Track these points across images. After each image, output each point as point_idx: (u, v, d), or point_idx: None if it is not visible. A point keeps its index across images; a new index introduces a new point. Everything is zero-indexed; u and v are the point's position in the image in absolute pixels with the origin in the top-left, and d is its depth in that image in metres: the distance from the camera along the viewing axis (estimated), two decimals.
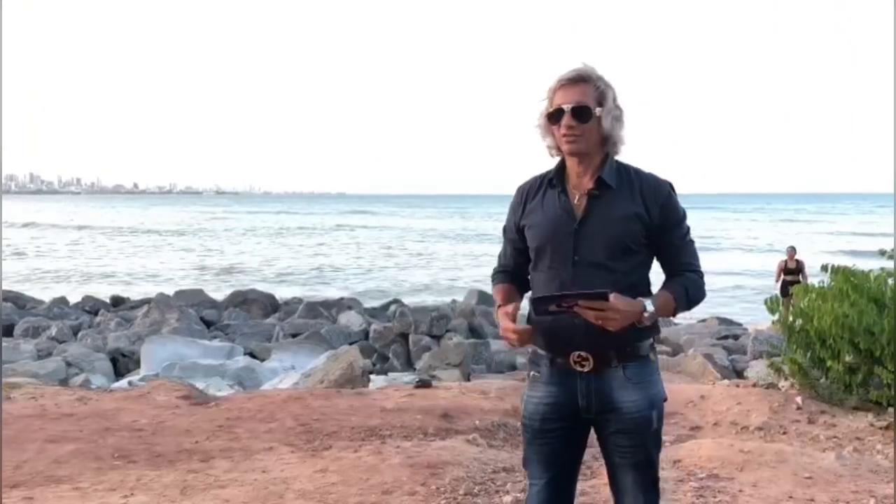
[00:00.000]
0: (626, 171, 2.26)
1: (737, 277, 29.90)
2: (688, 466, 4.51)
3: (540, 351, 2.29)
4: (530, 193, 2.33)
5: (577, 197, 2.24)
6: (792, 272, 13.79)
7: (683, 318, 18.03)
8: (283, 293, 21.59)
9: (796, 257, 14.13)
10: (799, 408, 6.12)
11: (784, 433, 5.65)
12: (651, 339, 2.28)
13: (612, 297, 2.05)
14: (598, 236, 2.19)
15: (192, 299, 18.05)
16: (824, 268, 6.87)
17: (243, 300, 18.36)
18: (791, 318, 6.66)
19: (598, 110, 2.18)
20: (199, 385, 7.45)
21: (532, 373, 2.33)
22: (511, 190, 2.44)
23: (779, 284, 13.83)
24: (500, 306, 2.30)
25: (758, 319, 14.83)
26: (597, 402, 2.21)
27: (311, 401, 6.05)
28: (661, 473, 4.35)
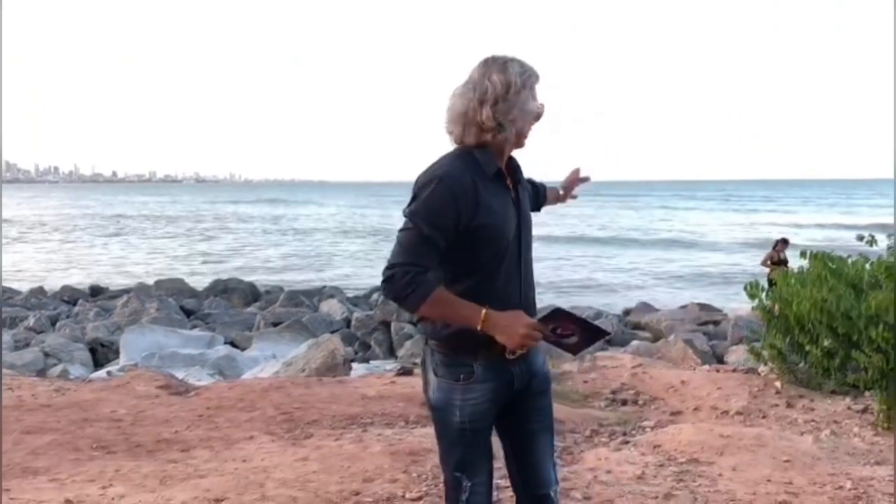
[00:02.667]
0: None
1: (716, 263, 30.15)
2: (668, 451, 4.54)
3: (463, 351, 2.14)
4: (473, 189, 2.05)
5: (511, 188, 2.20)
6: (781, 264, 13.22)
7: (664, 305, 18.16)
8: (266, 280, 21.51)
9: (787, 250, 13.46)
10: (778, 392, 6.17)
11: (763, 417, 5.69)
12: None
13: None
14: (529, 230, 2.25)
15: (173, 288, 17.94)
16: (803, 254, 6.92)
17: (224, 289, 18.27)
18: (771, 304, 6.70)
19: None
20: (179, 374, 7.40)
21: (461, 375, 2.15)
22: None
23: (768, 271, 13.23)
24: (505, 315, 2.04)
25: (738, 305, 14.92)
26: (526, 377, 2.24)
27: (292, 389, 6.02)
28: (642, 458, 4.41)
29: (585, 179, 2.89)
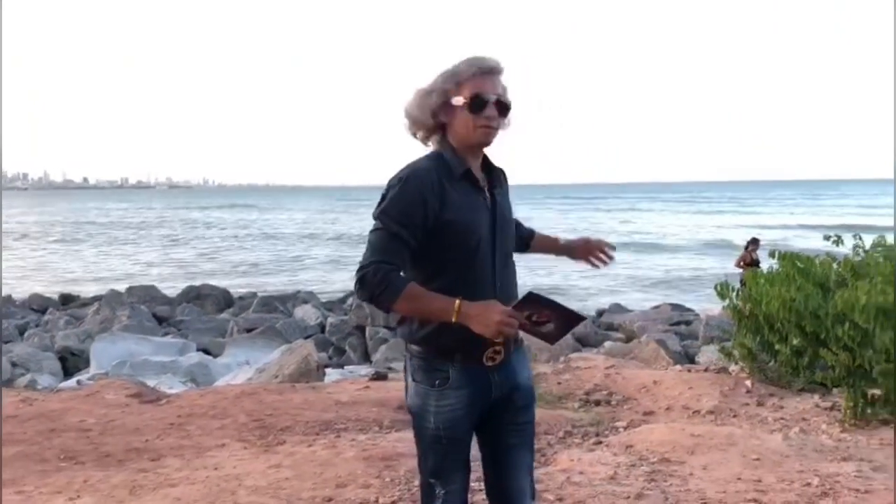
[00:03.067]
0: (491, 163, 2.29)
1: (686, 264, 30.45)
2: (640, 451, 4.57)
3: (438, 356, 2.15)
4: (439, 187, 2.08)
5: (484, 189, 2.20)
6: (754, 265, 13.12)
7: (637, 305, 18.30)
8: (240, 285, 21.35)
9: (758, 251, 13.23)
10: (748, 391, 6.24)
11: (734, 416, 5.75)
12: None
13: None
14: (506, 231, 2.24)
15: (145, 295, 17.75)
16: (772, 254, 7.01)
17: (197, 296, 18.12)
18: (741, 304, 6.77)
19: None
20: (151, 383, 7.32)
21: (436, 381, 2.15)
22: None
23: (740, 271, 13.03)
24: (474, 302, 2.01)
25: (709, 305, 15.05)
26: (505, 388, 2.22)
27: (265, 396, 5.98)
28: (615, 458, 4.43)
29: (607, 255, 2.63)
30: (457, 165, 2.13)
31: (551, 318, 2.04)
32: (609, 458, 4.44)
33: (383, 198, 2.09)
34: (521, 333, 2.12)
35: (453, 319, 2.00)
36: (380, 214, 2.08)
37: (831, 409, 5.70)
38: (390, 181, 2.11)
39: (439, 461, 2.20)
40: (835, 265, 6.65)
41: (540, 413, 5.58)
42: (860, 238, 6.92)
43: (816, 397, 5.98)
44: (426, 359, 2.17)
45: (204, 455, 4.63)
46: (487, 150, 2.23)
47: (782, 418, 5.60)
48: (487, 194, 2.19)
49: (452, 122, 2.14)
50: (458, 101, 2.11)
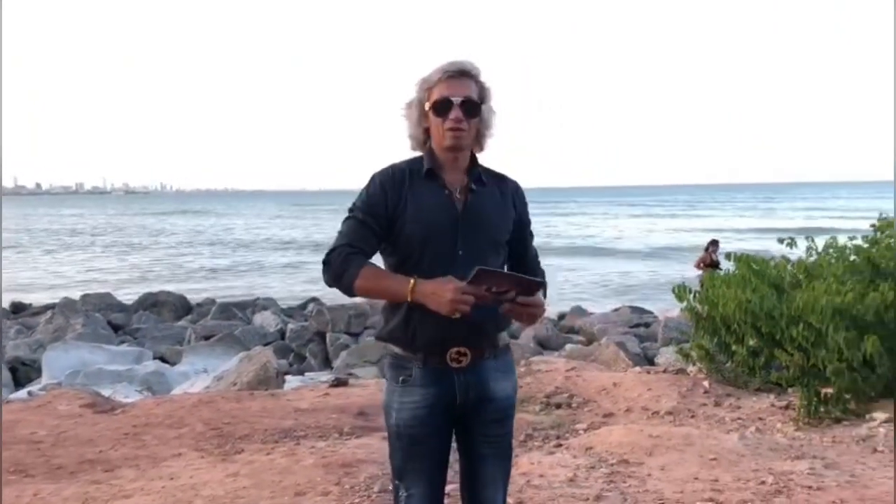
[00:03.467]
0: (486, 169, 2.29)
1: (645, 267, 30.83)
2: (599, 453, 4.60)
3: (403, 353, 2.20)
4: (401, 182, 2.18)
5: (457, 191, 2.20)
6: (714, 266, 12.76)
7: (598, 308, 18.46)
8: (198, 291, 21.04)
9: (719, 252, 13.14)
10: (706, 391, 6.32)
11: (692, 416, 5.82)
12: (508, 328, 2.35)
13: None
14: (479, 232, 2.19)
15: (100, 303, 17.40)
16: (728, 256, 7.13)
17: (153, 303, 17.80)
18: (698, 305, 6.87)
19: (483, 107, 2.18)
20: (105, 392, 7.17)
21: (401, 378, 2.19)
22: None
23: (699, 274, 12.85)
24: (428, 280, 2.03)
25: (667, 307, 15.25)
26: (473, 395, 2.20)
27: (223, 404, 5.90)
28: (574, 461, 4.45)
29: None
30: (426, 164, 2.20)
31: (510, 287, 2.02)
32: (569, 461, 4.46)
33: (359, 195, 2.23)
34: (511, 342, 2.11)
35: (409, 299, 2.05)
36: (351, 207, 2.20)
37: (786, 408, 5.81)
38: None
39: (401, 461, 2.22)
40: (789, 267, 6.79)
41: None
42: (812, 240, 7.08)
43: (772, 397, 6.09)
44: (394, 356, 2.22)
45: (160, 465, 4.54)
46: (481, 155, 2.27)
47: (739, 418, 5.68)
48: (459, 195, 2.18)
49: (430, 128, 2.20)
50: (427, 106, 2.17)
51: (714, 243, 13.80)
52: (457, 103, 2.13)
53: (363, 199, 2.18)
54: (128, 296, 20.07)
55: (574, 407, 6.16)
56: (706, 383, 6.49)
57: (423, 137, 2.22)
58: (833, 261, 6.59)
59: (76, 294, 19.73)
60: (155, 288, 21.50)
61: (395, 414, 2.19)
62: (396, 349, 2.22)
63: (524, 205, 2.35)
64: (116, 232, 63.40)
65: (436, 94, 2.15)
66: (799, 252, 7.04)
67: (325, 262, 2.14)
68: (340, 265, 2.11)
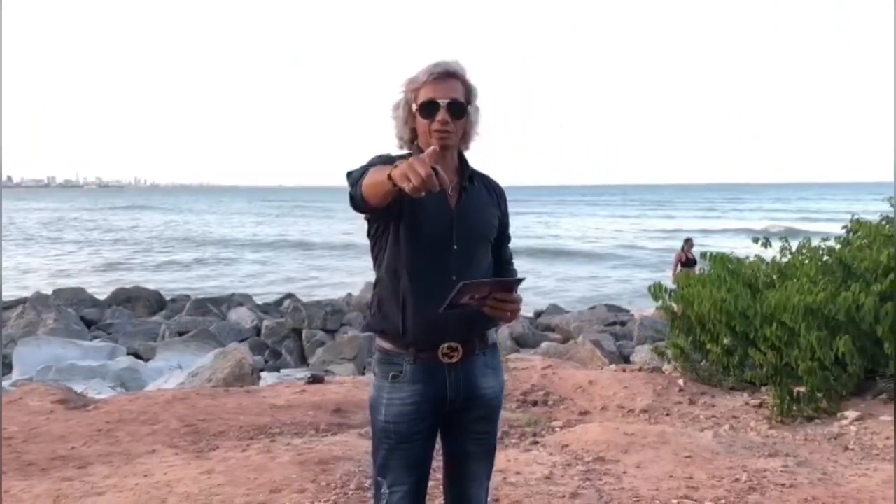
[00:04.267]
0: (472, 169, 2.30)
1: (622, 265, 31.03)
2: (575, 451, 4.62)
3: (394, 348, 2.20)
4: None
5: (449, 188, 2.20)
6: (690, 264, 13.04)
7: (573, 306, 18.54)
8: (172, 287, 20.84)
9: (693, 250, 13.43)
10: (681, 390, 6.38)
11: (667, 415, 5.87)
12: (498, 325, 2.36)
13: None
14: (472, 228, 2.22)
15: (72, 298, 17.16)
16: (703, 255, 7.20)
17: (127, 298, 17.60)
18: (674, 304, 6.93)
19: (469, 108, 2.20)
20: (78, 388, 7.08)
21: (391, 374, 2.20)
22: None
23: (674, 276, 12.76)
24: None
25: (643, 306, 15.35)
26: (464, 391, 2.22)
27: (198, 400, 5.84)
28: (551, 458, 4.47)
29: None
30: None
31: (491, 291, 2.05)
32: (545, 458, 4.47)
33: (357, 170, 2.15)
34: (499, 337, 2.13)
35: (388, 176, 1.85)
36: (359, 169, 2.11)
37: (760, 406, 5.88)
38: None
39: (386, 457, 2.21)
40: (763, 267, 6.87)
41: None
42: (787, 241, 7.16)
43: (746, 395, 6.15)
44: (384, 351, 2.22)
45: (133, 462, 4.49)
46: (467, 154, 2.28)
47: (713, 416, 5.74)
48: (451, 193, 2.20)
49: (417, 129, 2.20)
50: (414, 107, 2.18)
51: (688, 242, 13.91)
52: (443, 105, 2.13)
53: (379, 156, 2.15)
54: (100, 291, 19.85)
55: (550, 405, 6.19)
56: (681, 382, 6.55)
57: (411, 137, 2.22)
58: (806, 261, 6.69)
59: (48, 288, 19.48)
60: (128, 283, 21.29)
61: (384, 410, 2.19)
62: (386, 344, 2.22)
63: (506, 202, 2.40)
64: (90, 226, 62.65)
65: (422, 96, 2.16)
66: (773, 252, 7.13)
67: (348, 174, 2.12)
68: (360, 175, 2.04)
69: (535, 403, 6.20)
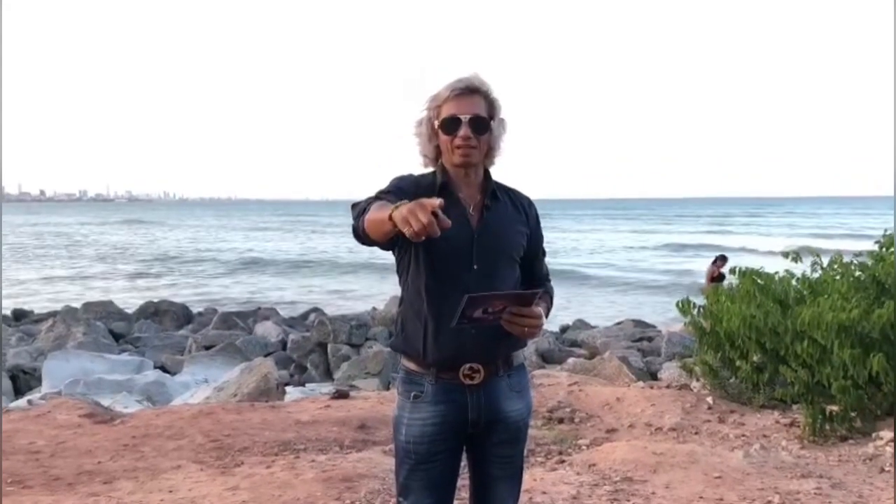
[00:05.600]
0: (498, 184, 2.28)
1: (650, 281, 30.78)
2: (602, 470, 4.55)
3: (417, 368, 2.19)
4: (428, 190, 2.13)
5: (471, 207, 2.19)
6: (720, 280, 12.41)
7: (600, 321, 18.39)
8: (199, 301, 20.99)
9: (725, 267, 12.84)
10: (710, 407, 6.27)
11: (696, 433, 5.76)
12: (524, 347, 2.32)
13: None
14: (494, 247, 2.18)
15: (101, 311, 17.35)
16: (732, 270, 7.09)
17: (155, 311, 17.78)
18: (702, 320, 6.82)
19: (492, 123, 2.17)
20: (105, 402, 7.12)
21: (413, 393, 2.18)
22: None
23: (706, 291, 12.41)
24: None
25: (671, 321, 15.19)
26: (486, 414, 2.18)
27: (223, 415, 5.85)
28: (578, 478, 4.40)
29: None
30: (439, 179, 2.18)
31: (506, 304, 2.00)
32: (572, 478, 4.41)
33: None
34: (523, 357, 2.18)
35: (388, 217, 1.80)
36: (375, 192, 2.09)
37: (791, 425, 5.75)
38: None
39: (406, 477, 2.19)
40: (794, 282, 6.75)
41: None
42: (819, 256, 7.03)
43: (776, 414, 6.03)
44: (407, 371, 2.22)
45: (159, 477, 4.50)
46: (493, 171, 2.25)
47: (743, 435, 5.63)
48: (473, 212, 2.17)
49: (440, 146, 2.19)
50: (437, 124, 2.16)
51: (722, 258, 13.76)
52: (465, 121, 2.12)
53: (394, 183, 2.14)
54: (129, 304, 20.05)
55: (577, 422, 6.11)
56: (710, 399, 6.44)
57: (435, 154, 2.21)
58: (838, 277, 6.55)
59: (78, 302, 19.72)
60: (155, 297, 21.50)
61: (405, 430, 2.18)
62: (410, 364, 2.21)
63: (537, 221, 2.34)
64: (120, 242, 63.45)
65: (444, 112, 2.14)
66: (804, 267, 7.00)
67: (354, 218, 2.02)
68: (362, 210, 1.98)
69: (561, 420, 6.13)
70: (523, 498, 4.01)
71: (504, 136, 2.23)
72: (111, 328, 15.40)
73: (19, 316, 18.59)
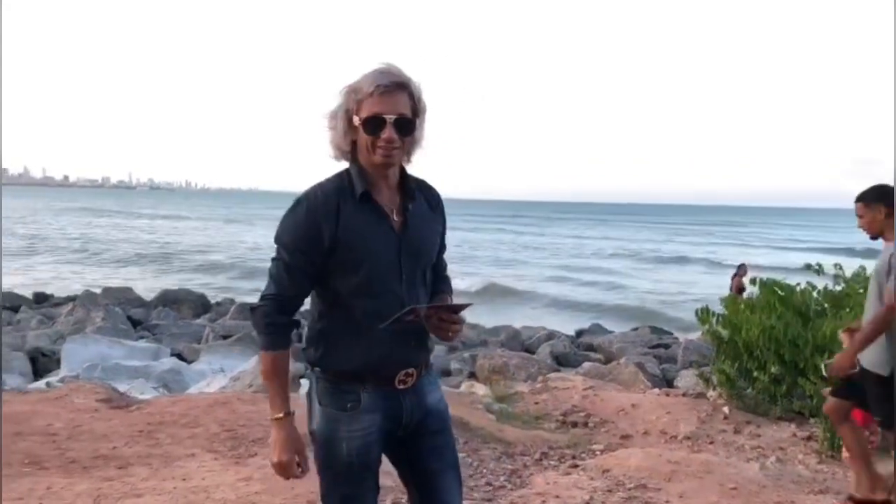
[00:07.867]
0: (413, 179, 2.16)
1: (667, 287, 30.61)
2: (616, 476, 4.51)
3: (348, 379, 2.07)
4: (335, 210, 2.00)
5: (393, 213, 2.08)
6: (741, 290, 12.90)
7: (617, 326, 18.30)
8: (218, 289, 21.12)
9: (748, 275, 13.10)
10: (726, 417, 6.22)
11: (711, 443, 5.72)
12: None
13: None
14: (417, 254, 2.11)
15: (120, 297, 17.53)
16: (753, 281, 7.03)
17: (173, 299, 17.93)
18: (721, 329, 6.77)
19: (416, 121, 2.05)
20: (122, 387, 7.18)
21: (348, 405, 2.05)
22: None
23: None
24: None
25: (688, 328, 15.10)
26: (417, 413, 2.14)
27: (238, 405, 5.87)
28: (591, 483, 4.38)
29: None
30: (357, 186, 2.03)
31: (438, 311, 2.06)
32: (585, 483, 4.39)
33: (281, 220, 2.05)
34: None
35: (271, 418, 2.07)
36: (276, 241, 2.05)
37: (808, 439, 5.69)
38: (293, 202, 2.06)
39: (351, 491, 2.10)
40: (815, 294, 6.68)
41: (516, 433, 5.55)
42: (841, 268, 6.96)
43: (793, 426, 5.97)
44: (334, 381, 2.08)
45: (172, 465, 4.52)
46: (409, 167, 2.14)
47: (759, 447, 5.58)
48: (395, 217, 2.07)
49: (357, 142, 2.04)
50: (357, 121, 2.01)
51: (742, 267, 13.69)
52: (390, 122, 1.97)
53: (291, 235, 2.01)
54: (148, 290, 20.21)
55: (591, 426, 6.09)
56: (726, 409, 6.39)
57: (350, 149, 2.06)
58: (860, 290, 6.48)
59: (97, 287, 19.90)
60: (174, 285, 21.68)
61: (346, 444, 2.05)
62: (337, 376, 2.09)
63: (445, 217, 2.26)
64: (143, 228, 63.96)
65: (366, 110, 1.98)
66: (826, 280, 6.92)
67: (252, 310, 2.06)
68: (263, 327, 2.04)
69: (575, 424, 6.11)
70: (536, 501, 4.02)
71: (425, 134, 2.10)
72: (129, 314, 15.55)
73: (40, 299, 18.81)
